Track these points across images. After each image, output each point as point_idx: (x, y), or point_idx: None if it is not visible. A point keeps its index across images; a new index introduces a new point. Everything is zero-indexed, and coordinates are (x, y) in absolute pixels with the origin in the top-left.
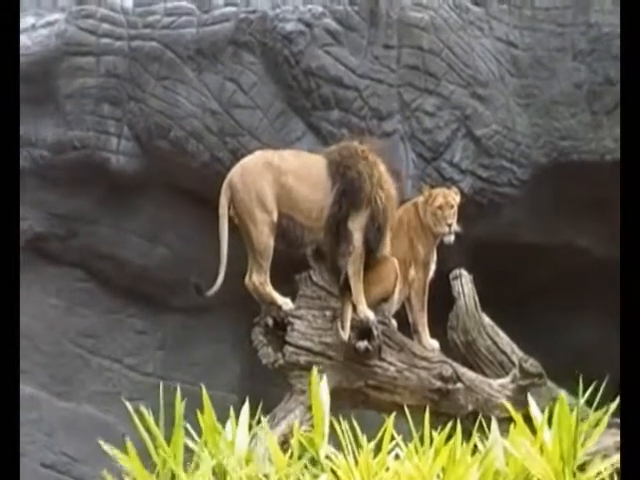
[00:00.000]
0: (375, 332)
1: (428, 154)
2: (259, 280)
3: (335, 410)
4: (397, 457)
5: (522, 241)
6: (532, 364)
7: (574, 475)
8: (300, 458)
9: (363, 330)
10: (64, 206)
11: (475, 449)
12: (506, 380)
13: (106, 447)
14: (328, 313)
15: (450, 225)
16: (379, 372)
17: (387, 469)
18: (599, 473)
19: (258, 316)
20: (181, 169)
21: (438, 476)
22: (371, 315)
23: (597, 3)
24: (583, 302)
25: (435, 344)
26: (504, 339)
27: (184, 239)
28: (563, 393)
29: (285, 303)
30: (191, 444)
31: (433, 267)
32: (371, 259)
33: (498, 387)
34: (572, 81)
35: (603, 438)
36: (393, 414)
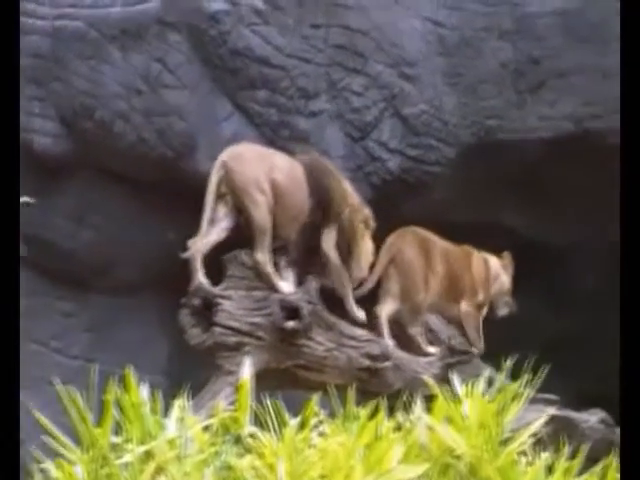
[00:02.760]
0: (303, 312)
1: (356, 134)
2: (262, 259)
3: (264, 390)
4: (322, 434)
5: (450, 220)
6: (459, 342)
7: (496, 449)
8: (223, 437)
9: (291, 310)
10: None
11: (401, 426)
12: (434, 358)
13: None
14: (256, 293)
15: (507, 303)
16: (307, 352)
17: (311, 446)
18: (520, 445)
19: (185, 297)
20: (107, 150)
21: (362, 453)
22: (362, 314)
23: None
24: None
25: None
26: (432, 317)
27: (111, 220)
28: (489, 370)
29: (286, 285)
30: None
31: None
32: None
33: (426, 365)
34: (498, 60)
35: (528, 414)
36: (318, 392)
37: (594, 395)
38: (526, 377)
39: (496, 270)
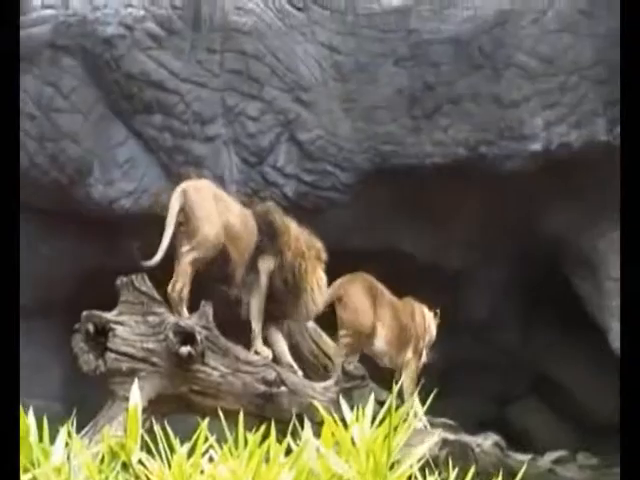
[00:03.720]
0: (198, 337)
1: (252, 159)
2: (178, 287)
3: (160, 416)
4: (212, 460)
5: (347, 246)
6: (355, 366)
7: (384, 474)
8: (112, 464)
9: (186, 335)
10: None
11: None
12: (329, 383)
13: None
14: (151, 319)
15: (430, 353)
16: (202, 377)
17: (202, 472)
18: (408, 468)
19: (79, 322)
20: None
21: (252, 478)
22: (269, 353)
23: (416, 11)
24: None
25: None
26: (328, 342)
27: None
28: (384, 394)
29: (188, 318)
30: None
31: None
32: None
33: (321, 390)
34: (393, 86)
35: (425, 438)
36: (207, 419)
37: (488, 419)
38: (413, 401)
39: (429, 321)
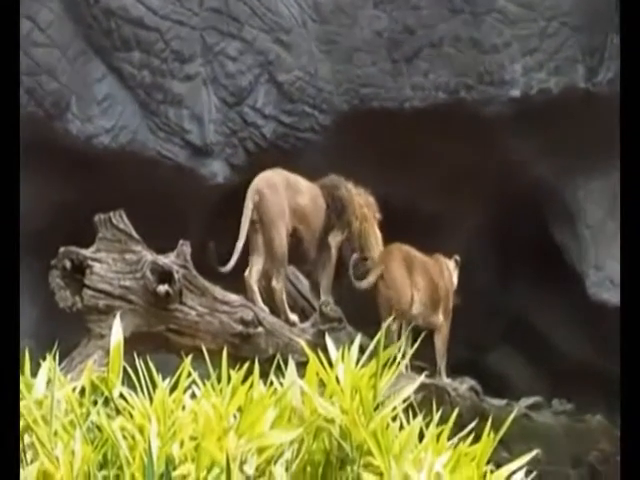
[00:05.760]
0: (176, 276)
1: (231, 99)
2: (279, 287)
3: (135, 354)
4: (194, 396)
5: None
6: (332, 309)
7: (370, 414)
8: (93, 398)
9: (164, 274)
10: None
11: (275, 391)
12: (306, 324)
13: None
14: (128, 256)
15: None
16: (180, 316)
17: (184, 408)
18: (393, 409)
19: (56, 258)
20: None
21: (235, 416)
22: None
23: None
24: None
25: None
26: (305, 285)
27: None
28: (361, 337)
29: (293, 319)
30: None
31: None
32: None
33: (298, 331)
34: (373, 29)
35: (399, 380)
36: (191, 355)
37: (464, 363)
38: (402, 343)
39: (452, 273)
